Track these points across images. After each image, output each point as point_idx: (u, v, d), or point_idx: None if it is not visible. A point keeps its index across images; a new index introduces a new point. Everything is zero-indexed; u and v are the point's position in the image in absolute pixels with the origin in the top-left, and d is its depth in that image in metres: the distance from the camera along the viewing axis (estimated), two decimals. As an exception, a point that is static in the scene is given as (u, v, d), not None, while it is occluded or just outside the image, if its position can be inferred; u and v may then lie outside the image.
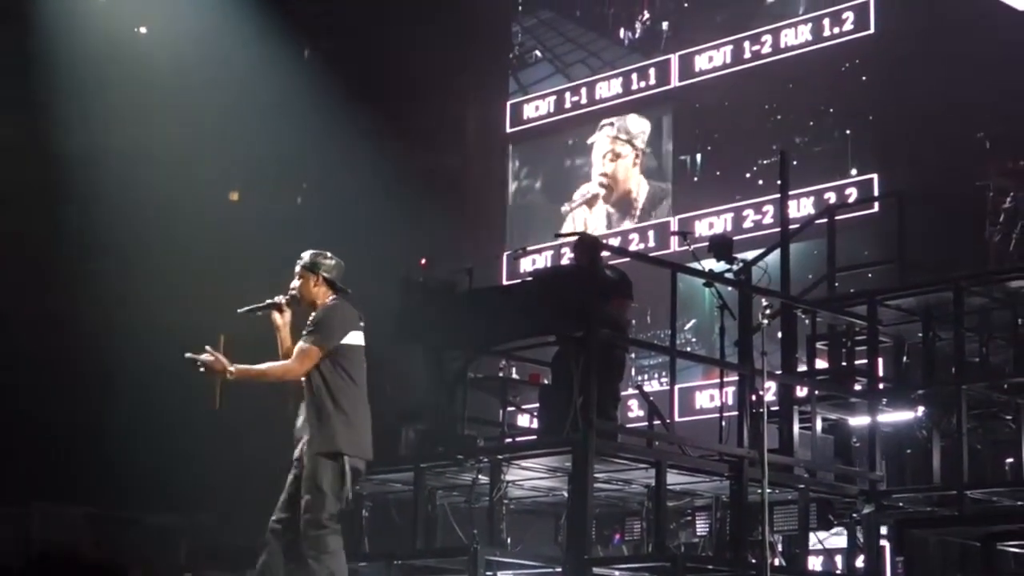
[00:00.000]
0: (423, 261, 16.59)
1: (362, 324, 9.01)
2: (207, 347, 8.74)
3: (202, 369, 8.70)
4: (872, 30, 17.91)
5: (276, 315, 9.03)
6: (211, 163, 18.44)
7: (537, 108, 21.37)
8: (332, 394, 8.75)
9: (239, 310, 9.16)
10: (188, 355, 8.76)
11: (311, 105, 18.99)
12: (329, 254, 9.14)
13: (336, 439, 8.68)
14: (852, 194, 17.45)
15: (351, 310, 8.99)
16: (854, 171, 17.75)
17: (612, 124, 20.60)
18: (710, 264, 12.55)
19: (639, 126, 20.32)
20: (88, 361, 16.81)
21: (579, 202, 20.72)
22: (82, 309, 17.18)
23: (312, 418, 8.78)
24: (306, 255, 9.09)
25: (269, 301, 9.05)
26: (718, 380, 13.05)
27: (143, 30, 19.23)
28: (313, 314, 8.91)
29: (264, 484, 12.92)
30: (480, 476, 11.26)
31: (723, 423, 12.29)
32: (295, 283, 9.05)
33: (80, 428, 16.18)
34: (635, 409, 17.00)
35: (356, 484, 8.97)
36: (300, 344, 8.77)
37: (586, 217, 20.40)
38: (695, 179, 19.52)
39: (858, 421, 12.92)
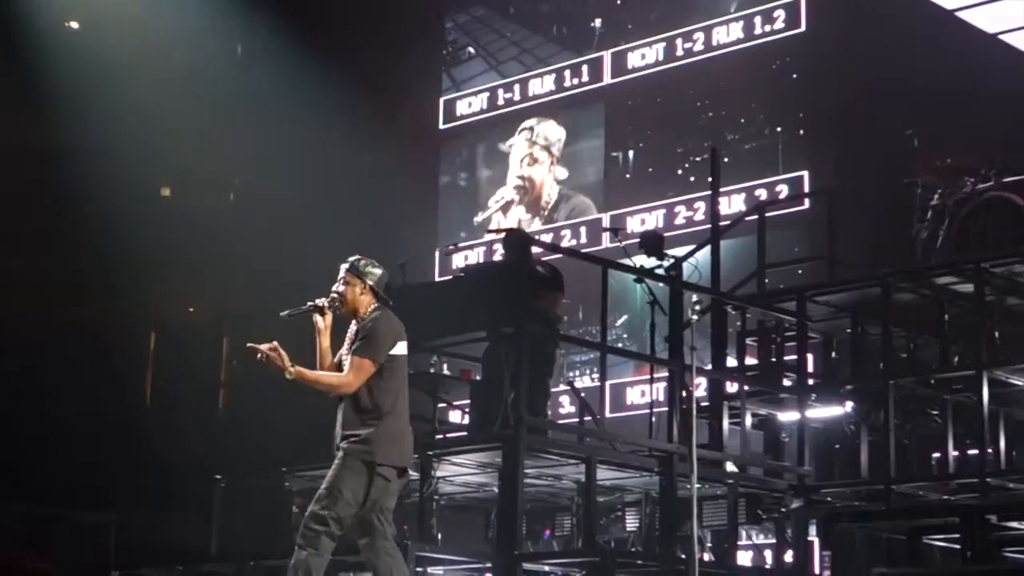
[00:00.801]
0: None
1: (406, 336, 8.94)
2: (275, 343, 8.59)
3: (261, 358, 8.53)
4: (803, 28, 18.01)
5: (318, 318, 8.87)
6: (143, 159, 18.33)
7: (470, 105, 21.36)
8: (376, 402, 8.68)
9: (282, 313, 9.01)
10: (250, 345, 8.61)
11: (243, 102, 18.92)
12: (376, 263, 9.03)
13: (373, 448, 8.60)
14: (782, 191, 17.54)
15: (397, 321, 8.91)
16: (784, 168, 17.85)
17: (531, 129, 20.67)
18: (641, 260, 12.58)
19: (556, 133, 20.40)
20: (15, 358, 16.67)
21: (493, 209, 20.78)
22: (15, 306, 17.03)
23: (353, 422, 8.68)
24: (353, 259, 8.97)
25: (311, 304, 8.86)
26: (649, 376, 13.11)
27: (74, 25, 19.09)
28: (361, 325, 8.80)
29: (195, 483, 12.92)
30: (411, 472, 11.23)
31: (653, 419, 12.34)
32: (340, 287, 8.90)
33: (8, 425, 16.04)
34: (566, 405, 17.03)
35: (397, 490, 8.83)
36: (353, 358, 8.67)
37: (500, 223, 20.43)
38: (627, 176, 19.57)
39: (787, 416, 13.01)
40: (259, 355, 8.56)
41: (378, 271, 8.97)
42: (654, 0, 19.75)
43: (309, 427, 12.20)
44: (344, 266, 8.96)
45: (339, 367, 8.84)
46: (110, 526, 14.78)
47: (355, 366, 8.67)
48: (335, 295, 8.89)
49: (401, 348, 8.85)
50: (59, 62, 17.96)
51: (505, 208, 20.73)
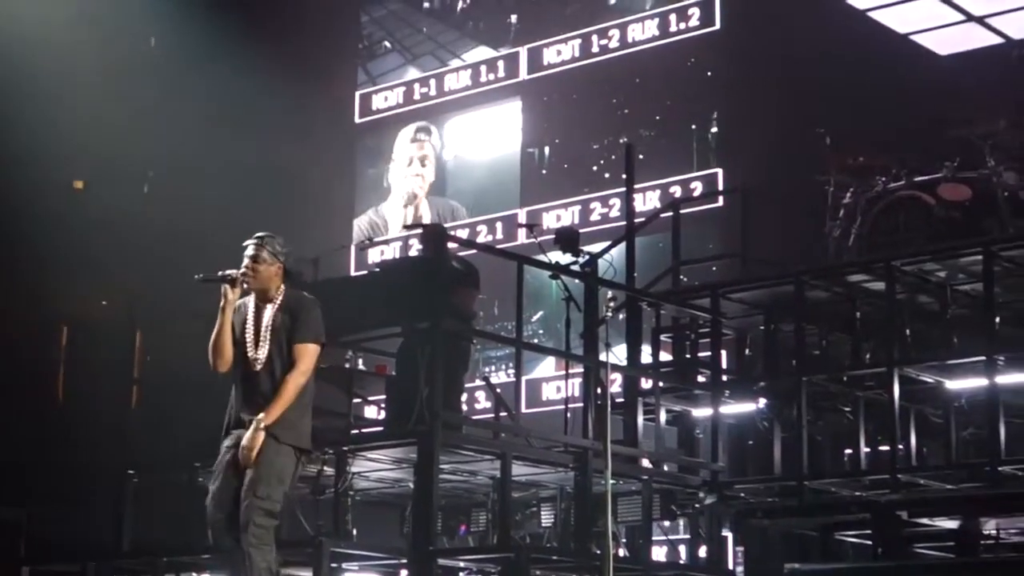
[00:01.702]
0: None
1: None
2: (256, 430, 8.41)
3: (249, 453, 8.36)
4: (717, 26, 18.13)
5: (228, 289, 8.60)
6: (54, 152, 18.13)
7: (386, 99, 21.33)
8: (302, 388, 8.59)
9: (196, 276, 8.81)
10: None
11: (157, 93, 18.77)
12: (284, 242, 8.77)
13: (304, 435, 8.54)
14: (697, 188, 17.66)
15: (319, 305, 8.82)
16: (699, 165, 17.95)
17: (420, 129, 20.81)
18: (557, 256, 12.61)
19: (435, 137, 20.56)
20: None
21: (403, 202, 20.87)
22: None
23: (273, 403, 8.47)
24: (269, 237, 8.72)
25: (225, 273, 8.60)
26: (564, 372, 13.14)
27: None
28: (298, 310, 8.62)
29: (107, 479, 12.81)
30: (325, 468, 11.21)
31: (568, 415, 12.37)
32: (253, 264, 8.63)
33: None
34: (482, 401, 17.04)
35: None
36: (300, 345, 8.53)
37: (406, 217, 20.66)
38: (543, 172, 19.61)
39: (701, 413, 13.09)
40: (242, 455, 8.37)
41: (292, 254, 8.83)
42: (569, -3, 19.82)
43: (221, 422, 12.14)
44: (254, 242, 8.73)
45: (236, 345, 8.64)
46: (21, 522, 14.60)
47: (307, 354, 8.56)
48: (248, 269, 8.66)
49: None
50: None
51: (411, 201, 20.83)
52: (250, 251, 8.71)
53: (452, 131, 20.60)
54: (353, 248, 19.90)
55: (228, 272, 8.65)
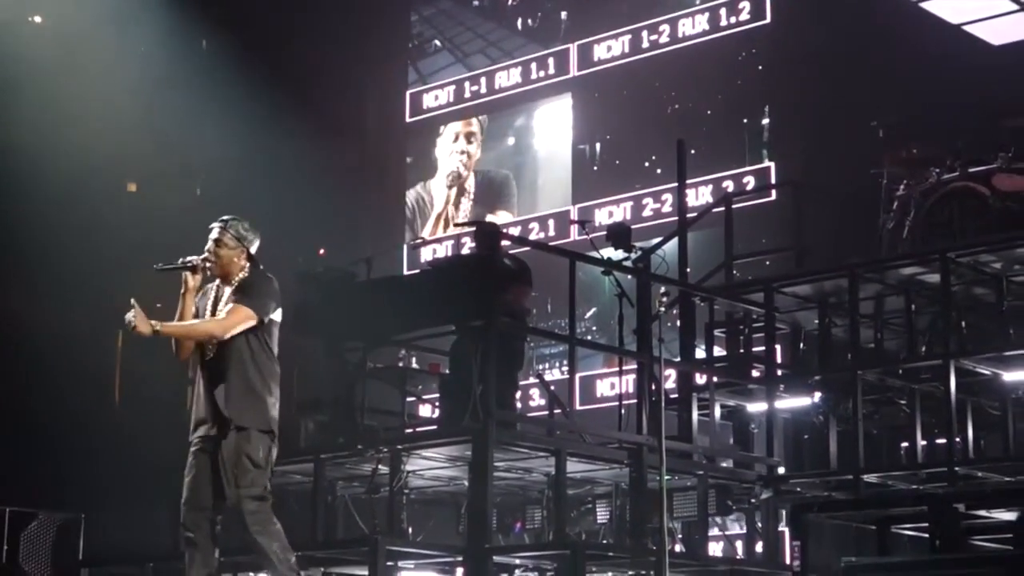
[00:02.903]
0: (321, 251, 16.57)
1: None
2: (132, 301, 8.21)
3: (131, 326, 8.19)
4: (768, 20, 18.06)
5: (188, 276, 8.53)
6: (108, 153, 18.24)
7: (436, 97, 21.35)
8: (261, 370, 8.42)
9: (155, 266, 8.76)
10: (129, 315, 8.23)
11: (209, 95, 18.84)
12: (253, 227, 8.69)
13: (268, 416, 8.39)
14: (749, 182, 17.59)
15: (277, 285, 8.61)
16: (751, 160, 17.90)
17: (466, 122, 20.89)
18: (609, 253, 12.60)
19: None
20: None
21: (447, 182, 20.92)
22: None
23: (240, 393, 8.37)
24: (232, 220, 8.63)
25: (185, 260, 8.53)
26: (618, 368, 13.13)
27: (37, 19, 18.99)
28: (241, 281, 8.50)
29: (164, 480, 12.87)
30: (380, 466, 11.24)
31: (623, 411, 12.36)
32: (215, 248, 8.55)
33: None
34: (536, 398, 17.04)
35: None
36: (233, 305, 8.37)
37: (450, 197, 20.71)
38: (594, 168, 19.59)
39: (756, 407, 13.05)
40: (127, 321, 8.19)
41: (257, 238, 8.68)
42: (618, -8, 19.79)
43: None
44: (218, 225, 8.64)
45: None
46: (80, 524, 14.70)
47: (232, 312, 8.35)
48: (209, 254, 8.55)
49: (279, 314, 8.58)
50: (22, 57, 17.85)
51: (456, 183, 20.88)
52: (213, 235, 8.62)
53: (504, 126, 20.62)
54: (405, 247, 19.94)
55: (188, 259, 8.55)
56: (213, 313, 8.55)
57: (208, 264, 8.57)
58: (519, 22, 20.90)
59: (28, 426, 15.95)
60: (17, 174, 17.25)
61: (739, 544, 13.33)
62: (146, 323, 8.23)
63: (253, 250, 8.67)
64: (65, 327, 16.81)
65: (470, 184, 20.60)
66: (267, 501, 8.41)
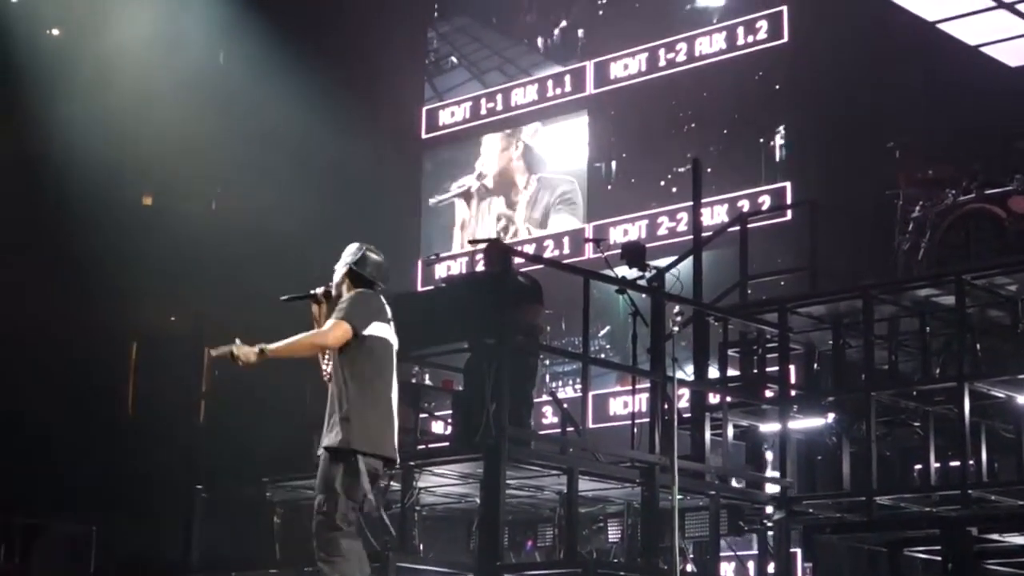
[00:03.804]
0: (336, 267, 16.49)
1: (390, 319, 8.59)
2: (236, 340, 8.22)
3: (233, 358, 8.15)
4: (785, 39, 18.05)
5: (314, 306, 8.64)
6: (124, 167, 18.29)
7: (452, 114, 21.37)
8: (352, 389, 8.32)
9: (281, 297, 8.82)
10: (213, 351, 8.24)
11: (224, 109, 18.89)
12: (374, 249, 8.72)
13: (350, 436, 8.22)
14: (765, 202, 17.58)
15: (380, 301, 8.57)
16: (767, 179, 17.88)
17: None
18: (623, 271, 12.59)
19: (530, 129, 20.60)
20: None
21: (454, 192, 20.89)
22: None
23: (330, 414, 8.37)
24: (352, 248, 8.70)
25: (311, 292, 8.64)
26: (631, 387, 13.11)
27: (55, 32, 19.06)
28: (343, 299, 8.52)
29: (176, 493, 12.89)
30: (392, 482, 11.21)
31: (635, 430, 12.34)
32: (337, 277, 8.64)
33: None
34: (549, 416, 17.02)
35: (375, 484, 8.40)
36: (332, 319, 8.35)
37: (466, 213, 20.65)
38: (609, 186, 19.59)
39: (769, 428, 13.02)
40: (230, 357, 8.17)
41: (376, 258, 8.66)
42: (636, 10, 19.77)
43: (290, 438, 12.19)
44: (343, 259, 8.71)
45: None
46: (91, 536, 14.73)
47: (333, 324, 8.33)
48: (329, 285, 8.67)
49: (381, 330, 8.48)
50: (40, 70, 17.91)
51: (467, 196, 20.83)
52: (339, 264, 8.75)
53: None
54: (420, 263, 19.94)
55: (313, 291, 8.67)
56: None
57: (330, 293, 8.64)
58: (536, 40, 20.91)
59: (42, 437, 15.98)
60: (39, 185, 17.30)
61: (751, 565, 13.29)
62: (250, 352, 8.23)
63: (365, 272, 8.59)
64: (80, 338, 16.85)
65: (531, 189, 20.51)
66: (340, 531, 8.18)
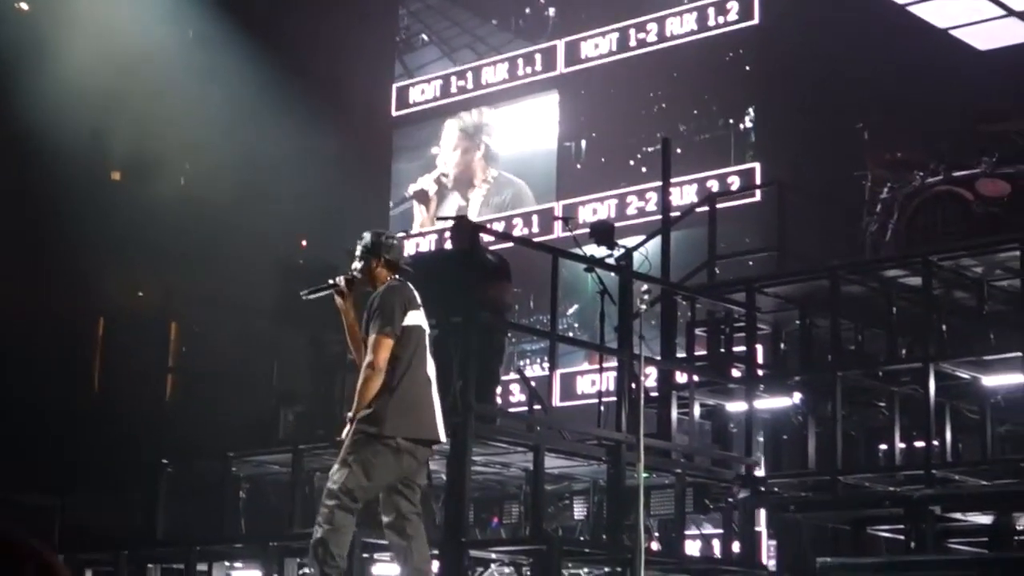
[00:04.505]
0: (304, 243, 16.56)
1: (420, 305, 8.73)
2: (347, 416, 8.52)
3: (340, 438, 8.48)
4: (756, 20, 18.08)
5: (338, 297, 8.74)
6: (92, 144, 18.22)
7: (423, 92, 21.35)
8: (389, 375, 8.45)
9: (302, 294, 8.95)
10: (338, 437, 8.56)
11: (193, 84, 18.82)
12: (390, 233, 8.95)
13: (382, 419, 8.38)
14: (734, 183, 17.61)
15: (410, 291, 8.71)
16: (736, 160, 17.91)
17: (460, 117, 20.79)
18: (592, 250, 12.59)
19: (484, 119, 20.52)
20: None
21: (408, 196, 20.91)
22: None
23: (355, 390, 8.55)
24: (367, 236, 8.82)
25: (331, 282, 8.77)
26: (598, 365, 13.13)
27: (24, 6, 18.96)
28: (370, 301, 8.64)
29: (142, 468, 12.87)
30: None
31: (602, 408, 12.35)
32: (356, 264, 8.77)
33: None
34: (516, 394, 17.04)
35: (422, 466, 8.63)
36: (371, 337, 8.48)
37: (422, 216, 20.69)
38: (579, 165, 19.59)
39: (735, 407, 13.04)
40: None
41: (392, 242, 8.84)
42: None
43: (255, 413, 12.19)
44: (359, 242, 8.84)
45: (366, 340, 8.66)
46: (55, 509, 14.69)
47: (373, 345, 8.47)
48: (353, 272, 8.77)
49: (414, 318, 8.63)
50: (8, 45, 17.81)
51: (421, 198, 20.84)
52: (356, 253, 8.85)
53: (491, 122, 20.60)
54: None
55: (333, 280, 8.80)
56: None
57: (355, 280, 8.74)
58: (507, 18, 20.89)
59: (6, 411, 15.92)
60: (6, 160, 17.22)
61: (716, 543, 13.32)
62: (343, 429, 8.47)
63: (390, 256, 8.76)
64: (46, 313, 16.79)
65: (485, 188, 20.55)
66: (339, 502, 8.33)
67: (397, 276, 8.78)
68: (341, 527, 8.36)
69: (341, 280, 8.76)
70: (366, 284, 8.75)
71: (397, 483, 8.44)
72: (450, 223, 12.58)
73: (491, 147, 20.55)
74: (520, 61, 20.38)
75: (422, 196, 20.94)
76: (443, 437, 8.67)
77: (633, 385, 11.59)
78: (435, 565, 11.01)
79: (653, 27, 19.08)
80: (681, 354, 13.29)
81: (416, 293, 8.74)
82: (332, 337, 11.90)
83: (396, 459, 8.38)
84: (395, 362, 8.51)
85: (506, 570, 11.30)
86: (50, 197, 17.25)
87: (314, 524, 8.45)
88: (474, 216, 20.08)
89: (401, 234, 17.84)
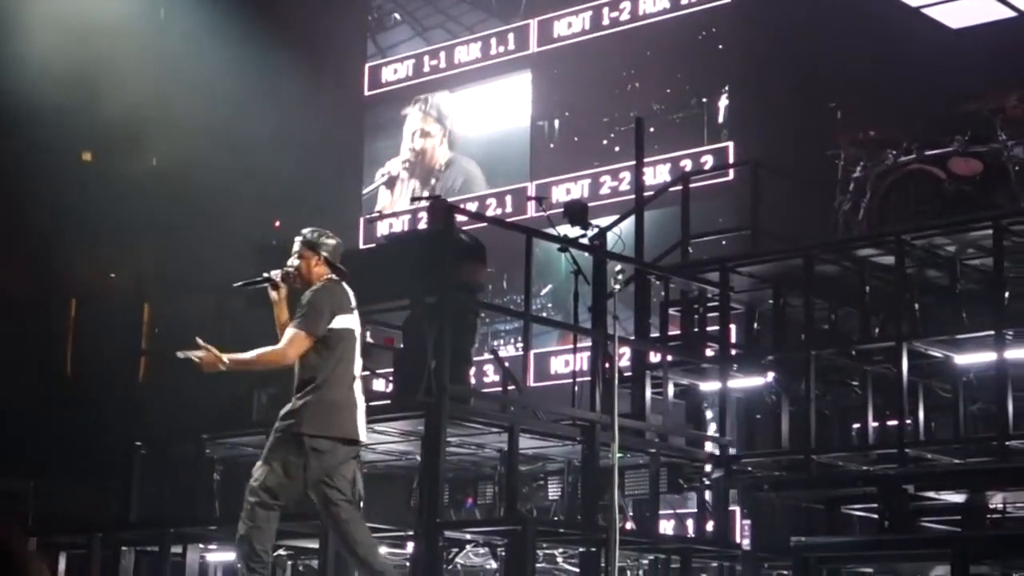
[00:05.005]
0: (277, 223, 16.51)
1: (354, 307, 8.78)
2: (199, 340, 8.45)
3: (196, 362, 8.40)
4: (728, -1, 18.07)
5: (272, 291, 8.80)
6: (63, 123, 18.11)
7: (395, 71, 21.29)
8: (310, 374, 8.55)
9: (235, 285, 8.99)
10: (180, 353, 8.48)
11: (167, 66, 18.74)
12: (330, 233, 8.92)
13: (302, 418, 8.48)
14: (707, 162, 17.61)
15: (342, 293, 8.75)
16: (709, 139, 17.91)
17: (424, 100, 20.77)
18: (566, 230, 12.58)
19: (449, 105, 20.50)
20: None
21: (377, 183, 20.90)
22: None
23: (290, 395, 8.65)
24: (307, 232, 8.86)
25: (265, 275, 8.80)
26: (572, 345, 13.14)
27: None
28: (303, 297, 8.69)
29: (115, 451, 12.83)
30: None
31: (576, 388, 12.36)
32: (293, 260, 8.80)
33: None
34: (490, 374, 17.03)
35: (347, 466, 8.61)
36: (289, 329, 8.56)
37: (387, 200, 20.69)
38: (552, 145, 19.57)
39: (709, 386, 13.08)
40: (193, 360, 8.42)
41: (332, 241, 8.85)
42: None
43: (229, 396, 12.15)
44: (298, 239, 8.86)
45: None
46: (28, 493, 14.66)
47: (289, 337, 8.55)
48: (289, 268, 8.79)
49: (343, 321, 8.66)
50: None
51: (390, 183, 20.83)
52: (293, 248, 8.87)
53: (462, 103, 20.56)
54: (362, 221, 19.89)
55: (268, 274, 8.82)
56: None
57: (290, 277, 8.79)
58: (479, -3, 20.86)
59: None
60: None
61: (690, 523, 13.35)
62: (213, 363, 8.44)
63: (326, 254, 8.80)
64: (18, 295, 16.72)
65: (441, 172, 20.57)
66: (259, 499, 8.43)
67: (333, 276, 8.81)
68: (263, 524, 8.48)
69: (276, 274, 8.80)
70: (301, 280, 8.79)
71: (320, 480, 8.49)
72: (425, 204, 12.56)
73: (454, 132, 20.51)
74: (493, 40, 20.33)
75: (391, 181, 20.91)
76: (363, 437, 8.70)
77: (607, 365, 11.60)
78: (410, 547, 11.06)
79: (626, 5, 19.05)
80: (655, 334, 13.31)
81: (351, 294, 8.79)
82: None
83: (315, 457, 8.46)
84: (320, 364, 8.57)
85: (480, 551, 11.32)
86: (21, 178, 17.16)
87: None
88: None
89: (375, 214, 17.89)
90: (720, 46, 18.15)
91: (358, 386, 8.71)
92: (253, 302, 11.44)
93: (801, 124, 16.06)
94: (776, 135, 16.67)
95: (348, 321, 8.71)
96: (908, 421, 11.76)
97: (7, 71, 17.25)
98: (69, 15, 17.92)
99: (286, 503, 8.60)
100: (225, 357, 8.47)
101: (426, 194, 19.58)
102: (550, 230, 12.35)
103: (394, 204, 20.75)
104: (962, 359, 11.92)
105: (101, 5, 18.30)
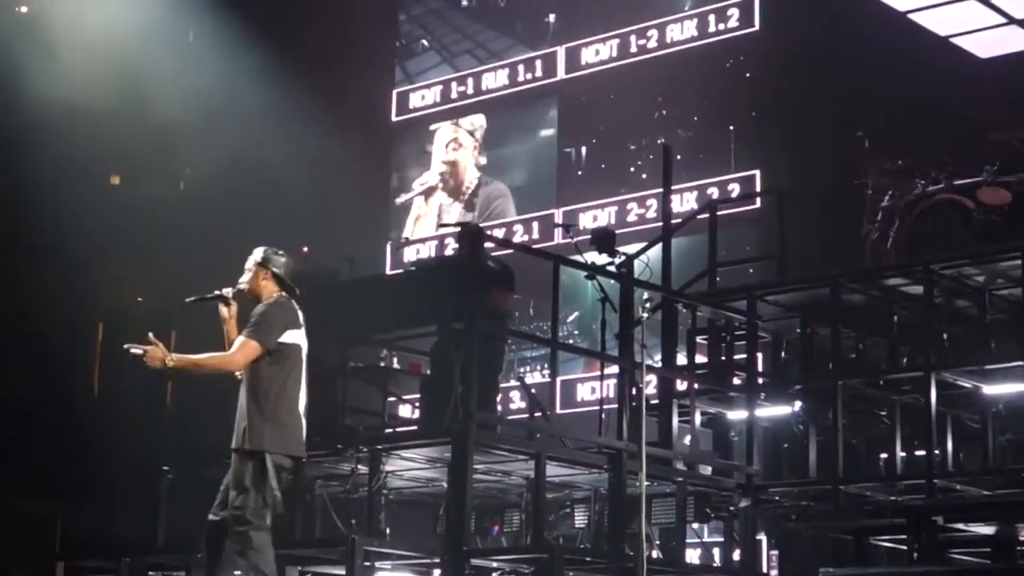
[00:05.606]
0: (304, 249, 16.50)
1: (302, 324, 8.92)
2: (150, 335, 8.63)
3: (143, 356, 8.60)
4: (756, 27, 18.08)
5: (223, 307, 8.97)
6: (92, 147, 18.19)
7: (423, 97, 21.34)
8: (264, 392, 8.69)
9: (186, 299, 9.09)
10: (127, 346, 8.66)
11: (194, 88, 18.81)
12: (281, 252, 9.09)
13: (261, 437, 8.63)
14: (735, 190, 17.60)
15: (293, 309, 8.91)
16: (737, 167, 17.90)
17: (456, 123, 20.87)
18: (593, 257, 12.56)
19: (480, 120, 20.54)
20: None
21: (416, 191, 20.93)
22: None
23: (242, 414, 8.75)
24: (259, 251, 9.03)
25: (216, 293, 8.97)
26: (599, 373, 13.11)
27: (24, 10, 18.94)
28: (255, 309, 8.85)
29: (142, 475, 12.83)
30: (359, 466, 11.21)
31: (603, 416, 12.33)
32: (245, 277, 8.98)
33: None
34: (517, 401, 17.02)
35: (282, 482, 8.78)
36: (240, 337, 8.73)
37: (421, 209, 20.70)
38: (579, 172, 19.58)
39: (736, 415, 13.03)
40: (139, 354, 8.57)
41: (282, 259, 9.04)
42: (607, -3, 19.80)
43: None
44: (251, 256, 9.03)
45: None
46: (57, 517, 14.67)
47: (239, 344, 8.71)
48: (240, 285, 8.97)
49: (293, 336, 8.83)
50: (7, 48, 17.79)
51: (428, 193, 20.86)
52: (247, 265, 9.04)
53: (489, 129, 20.60)
54: (389, 246, 19.92)
55: (219, 292, 8.98)
56: None
57: (241, 292, 8.98)
58: (508, 24, 20.89)
59: (6, 417, 15.91)
60: (5, 164, 17.20)
61: (716, 552, 13.30)
62: (158, 358, 8.59)
63: (277, 270, 8.97)
64: (46, 318, 16.77)
65: (468, 190, 20.60)
66: (251, 524, 8.56)
67: (283, 293, 8.93)
68: (261, 547, 8.61)
69: (228, 291, 8.97)
70: (252, 296, 8.95)
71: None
72: (454, 230, 12.57)
73: (485, 153, 20.55)
74: (520, 67, 20.38)
75: (429, 191, 20.95)
76: (304, 454, 8.91)
77: (634, 392, 11.58)
78: (436, 574, 11.04)
79: (654, 33, 19.08)
80: (682, 362, 13.27)
81: (300, 312, 8.94)
82: (329, 345, 11.87)
83: (271, 473, 8.62)
84: (271, 377, 8.73)
85: (507, 579, 11.29)
86: (50, 202, 17.22)
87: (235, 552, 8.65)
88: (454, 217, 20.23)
89: (402, 241, 17.92)
90: (747, 74, 18.17)
91: (303, 403, 8.90)
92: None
93: (829, 152, 16.05)
94: (803, 163, 16.66)
95: (297, 337, 8.88)
96: (936, 451, 11.69)
97: (38, 95, 17.34)
98: (94, 40, 18.01)
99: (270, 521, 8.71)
100: (173, 355, 8.60)
101: (462, 216, 19.64)
102: (577, 257, 12.34)
103: (428, 215, 20.76)
104: (991, 389, 11.86)
105: (131, 30, 18.39)
